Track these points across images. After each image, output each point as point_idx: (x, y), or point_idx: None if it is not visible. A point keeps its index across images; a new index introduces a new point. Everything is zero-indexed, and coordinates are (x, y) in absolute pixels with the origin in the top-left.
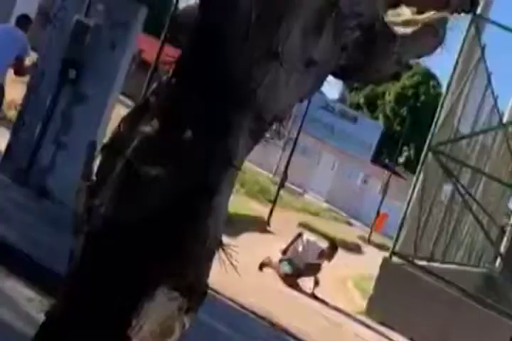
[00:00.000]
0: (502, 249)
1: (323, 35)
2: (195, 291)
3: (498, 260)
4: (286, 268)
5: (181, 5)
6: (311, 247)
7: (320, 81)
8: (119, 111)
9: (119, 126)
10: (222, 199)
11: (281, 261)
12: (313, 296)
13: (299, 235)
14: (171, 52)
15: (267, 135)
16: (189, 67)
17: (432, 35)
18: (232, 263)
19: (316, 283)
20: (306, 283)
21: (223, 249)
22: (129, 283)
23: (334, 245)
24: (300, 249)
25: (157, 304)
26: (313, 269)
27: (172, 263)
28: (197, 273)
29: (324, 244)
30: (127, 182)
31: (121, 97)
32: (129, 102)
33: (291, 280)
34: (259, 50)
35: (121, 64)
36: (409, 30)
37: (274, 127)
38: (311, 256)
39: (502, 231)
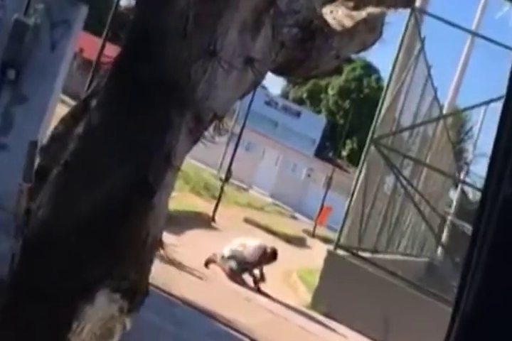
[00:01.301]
0: (443, 238)
1: (261, 33)
2: (136, 292)
3: (440, 249)
4: (231, 264)
5: (123, 2)
6: (253, 247)
7: (259, 78)
8: (61, 111)
9: (57, 127)
10: (162, 199)
11: (225, 257)
12: (259, 291)
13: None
14: (113, 51)
15: (207, 133)
16: (127, 65)
17: (369, 31)
18: (174, 261)
19: (262, 277)
20: (252, 278)
21: (163, 248)
22: (69, 286)
23: (274, 254)
24: (242, 247)
25: (98, 306)
26: (257, 264)
27: (112, 265)
28: (138, 273)
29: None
30: (64, 184)
31: (64, 97)
32: (72, 102)
33: (236, 275)
34: (197, 48)
35: (62, 63)
36: (347, 25)
37: (214, 125)
38: (254, 253)
39: (443, 220)
